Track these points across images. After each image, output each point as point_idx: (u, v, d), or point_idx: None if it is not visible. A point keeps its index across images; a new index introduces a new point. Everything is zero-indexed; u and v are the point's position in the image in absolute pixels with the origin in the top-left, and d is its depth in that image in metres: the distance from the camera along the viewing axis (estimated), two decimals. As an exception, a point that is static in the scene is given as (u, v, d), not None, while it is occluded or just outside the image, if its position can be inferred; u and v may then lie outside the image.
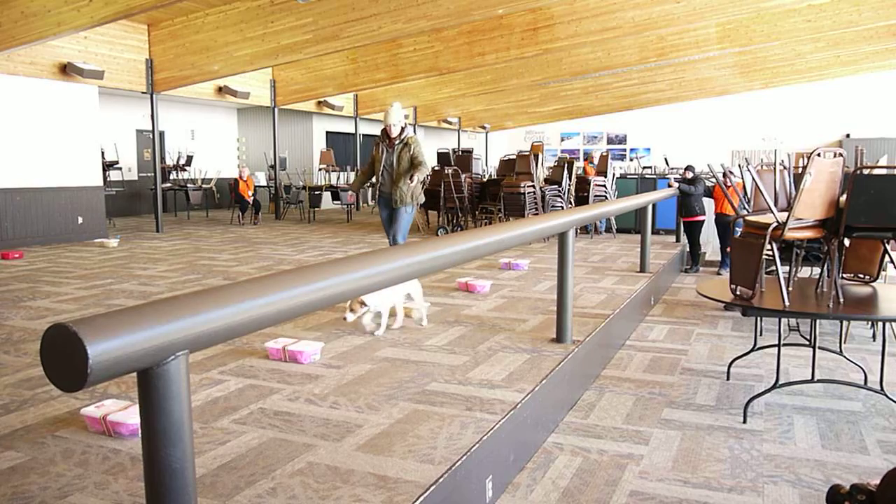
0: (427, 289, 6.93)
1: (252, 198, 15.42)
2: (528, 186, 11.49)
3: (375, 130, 22.90)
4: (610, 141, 26.66)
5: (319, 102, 18.23)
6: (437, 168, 13.57)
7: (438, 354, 4.60)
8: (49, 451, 3.05)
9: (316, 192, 16.47)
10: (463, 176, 12.83)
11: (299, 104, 17.12)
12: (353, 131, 19.90)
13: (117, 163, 15.79)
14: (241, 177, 15.42)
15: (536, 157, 12.64)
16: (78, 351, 1.07)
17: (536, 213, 11.37)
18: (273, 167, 17.30)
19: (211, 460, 2.94)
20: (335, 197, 16.97)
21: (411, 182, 6.53)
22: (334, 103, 18.50)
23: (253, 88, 15.81)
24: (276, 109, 16.63)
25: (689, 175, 9.84)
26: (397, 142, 6.65)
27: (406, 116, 6.30)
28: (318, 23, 11.05)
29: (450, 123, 24.84)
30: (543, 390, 3.97)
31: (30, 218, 11.29)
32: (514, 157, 13.05)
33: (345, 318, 4.92)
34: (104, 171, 13.55)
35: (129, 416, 3.22)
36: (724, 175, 6.54)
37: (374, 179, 7.00)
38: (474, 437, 3.18)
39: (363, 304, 4.86)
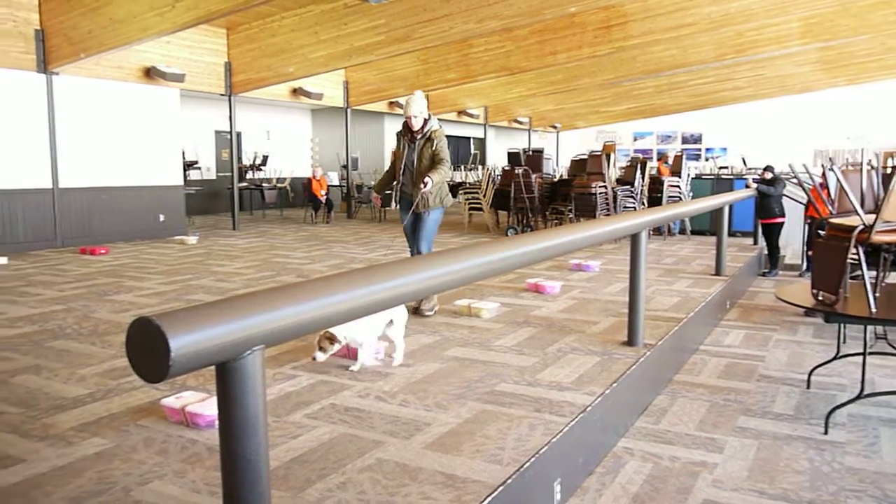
0: (496, 289, 6.92)
1: (325, 197, 15.70)
2: (599, 187, 11.34)
3: (448, 130, 23.00)
4: (685, 140, 26.07)
5: (391, 103, 18.43)
6: (507, 168, 13.54)
7: (507, 355, 4.59)
8: (132, 439, 3.18)
9: (387, 192, 16.62)
10: (533, 176, 12.76)
11: (371, 105, 17.34)
12: (424, 131, 20.00)
13: (197, 163, 16.34)
14: (314, 176, 15.73)
15: (608, 156, 12.45)
16: (161, 344, 1.11)
17: (608, 214, 11.20)
18: (345, 167, 17.58)
19: (283, 453, 3.00)
20: (406, 196, 17.09)
21: (424, 186, 5.58)
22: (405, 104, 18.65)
23: (326, 90, 16.10)
24: (348, 110, 16.89)
25: (769, 176, 9.53)
26: (419, 136, 5.82)
27: (423, 115, 5.83)
28: (390, 24, 11.18)
29: (520, 123, 24.74)
30: (614, 394, 3.91)
31: (115, 215, 11.78)
32: (585, 156, 12.90)
33: (313, 359, 4.11)
34: (184, 170, 14.04)
35: (207, 407, 3.33)
36: (823, 174, 6.25)
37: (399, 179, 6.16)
38: (543, 438, 3.15)
39: (333, 339, 4.07)
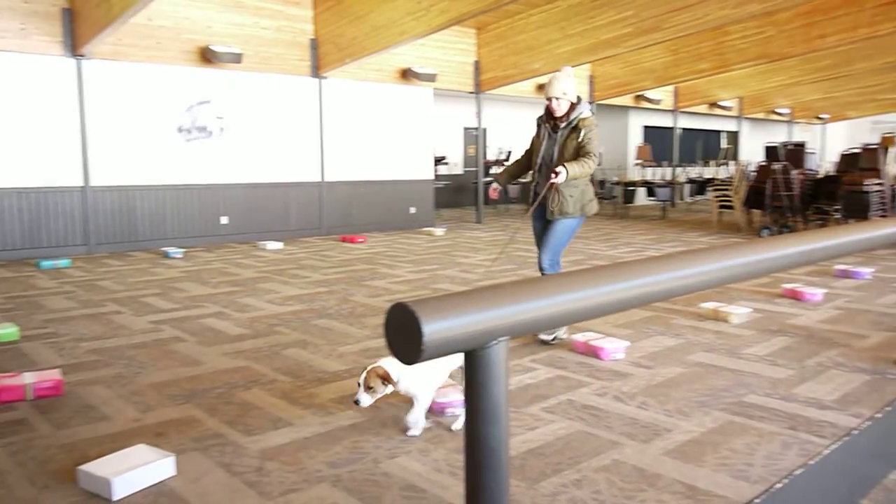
0: (746, 293, 6.46)
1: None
2: (874, 184, 10.12)
3: (697, 124, 21.94)
4: None
5: (637, 96, 17.94)
6: (763, 163, 12.56)
7: (758, 365, 4.26)
8: (382, 415, 3.42)
9: (630, 188, 16.26)
10: (793, 172, 11.70)
11: (616, 98, 17.01)
12: (672, 125, 19.24)
13: (445, 158, 17.15)
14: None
15: (886, 150, 11.06)
16: (414, 328, 1.17)
17: (884, 215, 9.96)
18: (587, 162, 17.41)
19: (520, 444, 3.06)
20: (650, 193, 16.58)
21: (555, 176, 4.40)
22: (652, 97, 18.05)
23: (571, 85, 16.06)
24: (593, 105, 16.72)
25: None
26: (563, 124, 4.62)
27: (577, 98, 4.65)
28: (639, 15, 10.86)
29: (779, 115, 22.83)
30: (888, 419, 3.46)
31: (371, 207, 12.77)
32: (858, 150, 11.57)
33: (356, 402, 3.05)
34: (434, 165, 14.81)
35: (445, 394, 3.49)
36: None
37: (532, 174, 4.98)
38: (798, 459, 2.89)
39: (387, 379, 3.07)
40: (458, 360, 3.15)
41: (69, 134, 9.39)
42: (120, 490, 2.61)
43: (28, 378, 3.75)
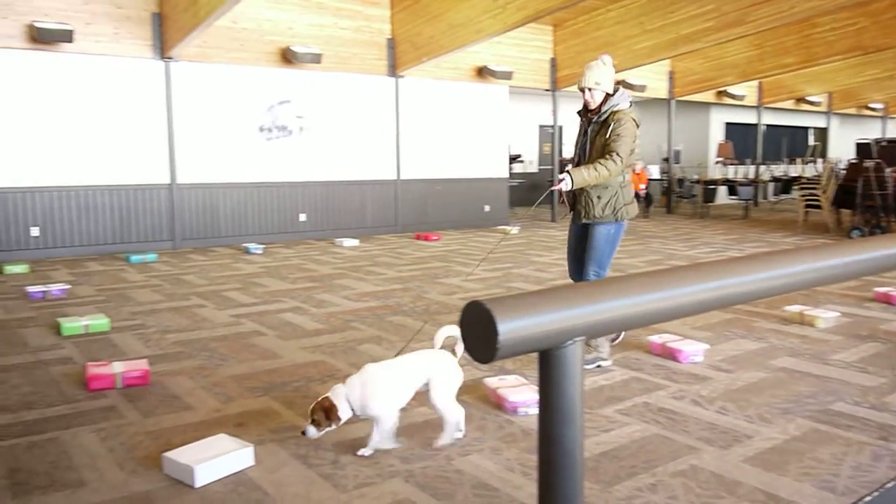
0: (834, 296, 6.19)
1: (644, 191, 15.39)
2: (976, 183, 9.53)
3: (783, 120, 21.14)
4: None
5: (719, 92, 17.42)
6: (854, 161, 12.01)
7: (847, 371, 4.08)
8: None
9: (710, 187, 15.81)
10: (888, 170, 11.14)
11: (696, 95, 16.56)
12: (756, 122, 18.61)
13: (520, 156, 17.06)
14: (633, 169, 15.44)
15: None
16: (490, 327, 1.17)
17: None
18: (667, 160, 17.04)
19: (594, 446, 3.01)
20: (732, 192, 16.08)
21: (557, 185, 4.04)
22: (735, 92, 17.50)
23: (650, 81, 15.73)
24: (672, 101, 16.33)
25: None
26: (596, 117, 4.21)
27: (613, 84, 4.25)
28: (720, 9, 10.55)
29: (872, 110, 21.77)
30: None
31: (446, 205, 12.83)
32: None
33: (303, 433, 2.92)
34: (509, 164, 14.76)
35: (515, 393, 3.47)
36: None
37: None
38: (889, 472, 2.75)
39: (330, 415, 2.88)
40: (423, 378, 3.00)
41: (157, 134, 9.78)
42: (202, 477, 2.70)
43: (117, 367, 3.92)
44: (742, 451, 2.96)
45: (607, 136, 4.07)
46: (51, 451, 3.02)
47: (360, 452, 2.94)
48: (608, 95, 4.17)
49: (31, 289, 6.50)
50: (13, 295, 6.57)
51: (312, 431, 2.89)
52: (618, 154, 4.01)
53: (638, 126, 4.20)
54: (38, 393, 3.78)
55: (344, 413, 2.89)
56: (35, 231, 9.08)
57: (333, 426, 2.90)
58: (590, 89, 4.15)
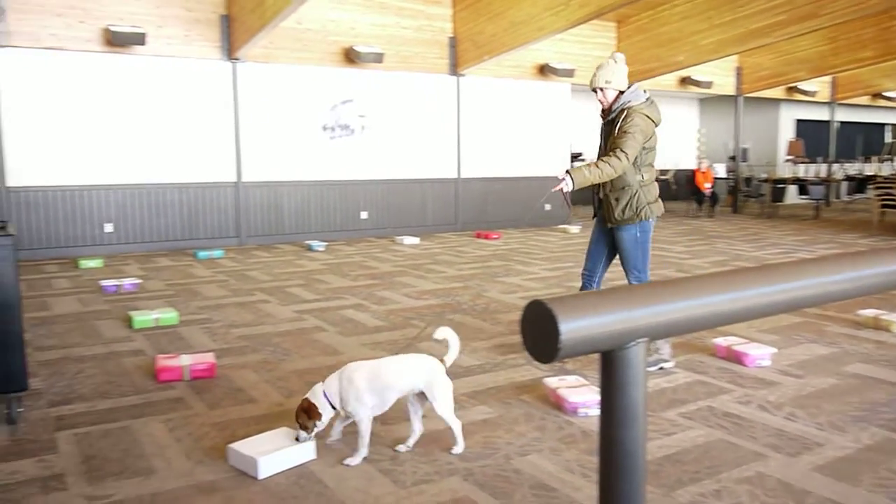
0: (913, 300, 5.93)
1: (709, 190, 15.04)
2: None
3: (858, 117, 20.37)
4: None
5: (789, 88, 16.87)
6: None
7: (925, 378, 3.91)
8: (513, 412, 3.42)
9: (779, 186, 15.34)
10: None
11: (766, 91, 16.09)
12: (829, 119, 17.97)
13: (582, 154, 16.85)
14: (699, 168, 15.15)
15: None
16: (552, 327, 1.15)
17: None
18: (733, 158, 16.60)
19: (656, 449, 2.96)
20: (802, 191, 15.57)
21: (558, 186, 3.94)
22: (806, 88, 16.93)
23: (716, 77, 15.36)
24: (740, 98, 15.91)
25: None
26: (608, 116, 4.17)
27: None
28: (793, 2, 10.21)
29: (955, 106, 20.77)
30: None
31: (506, 203, 12.78)
32: None
33: (297, 439, 2.90)
34: (570, 162, 14.61)
35: (576, 394, 3.43)
36: None
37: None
38: (971, 484, 2.62)
39: (310, 413, 2.87)
40: (409, 384, 2.92)
41: (224, 133, 10.03)
42: (265, 469, 2.76)
43: (185, 360, 4.04)
44: (812, 459, 2.86)
45: (614, 133, 4.03)
46: (123, 440, 3.13)
47: (345, 462, 2.87)
48: (621, 93, 4.10)
49: (104, 283, 6.75)
50: (89, 288, 6.84)
51: (303, 436, 2.88)
52: (622, 150, 3.93)
53: (655, 122, 4.14)
54: (112, 383, 3.92)
55: (324, 410, 2.88)
56: (109, 227, 9.42)
57: (319, 424, 2.88)
58: (601, 89, 4.09)
